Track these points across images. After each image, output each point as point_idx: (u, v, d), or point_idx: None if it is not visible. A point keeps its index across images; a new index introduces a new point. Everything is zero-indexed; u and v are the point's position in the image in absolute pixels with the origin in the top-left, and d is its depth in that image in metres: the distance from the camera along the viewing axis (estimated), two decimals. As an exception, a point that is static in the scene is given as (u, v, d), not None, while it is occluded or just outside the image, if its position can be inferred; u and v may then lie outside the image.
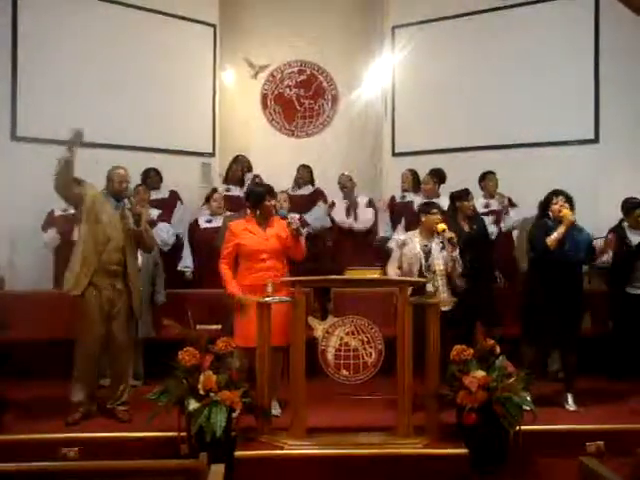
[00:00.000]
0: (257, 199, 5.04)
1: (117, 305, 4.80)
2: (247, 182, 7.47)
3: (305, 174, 7.82)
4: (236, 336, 4.74)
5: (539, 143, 7.89)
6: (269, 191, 5.15)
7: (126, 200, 4.92)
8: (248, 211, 5.19)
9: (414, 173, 7.50)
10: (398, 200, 7.53)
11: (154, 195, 7.33)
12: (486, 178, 7.17)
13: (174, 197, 7.55)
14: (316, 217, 7.45)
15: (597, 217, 6.32)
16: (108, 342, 4.83)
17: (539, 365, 5.38)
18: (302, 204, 7.52)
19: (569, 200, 5.30)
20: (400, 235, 5.73)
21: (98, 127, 7.71)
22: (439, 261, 5.17)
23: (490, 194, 7.14)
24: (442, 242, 5.17)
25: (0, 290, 6.74)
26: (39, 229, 6.76)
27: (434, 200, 6.06)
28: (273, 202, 5.11)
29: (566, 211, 5.19)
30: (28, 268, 6.87)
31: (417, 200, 7.02)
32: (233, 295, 4.85)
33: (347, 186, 7.59)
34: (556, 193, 5.37)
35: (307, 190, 7.79)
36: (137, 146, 7.99)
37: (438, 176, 7.12)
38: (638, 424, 4.70)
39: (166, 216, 7.13)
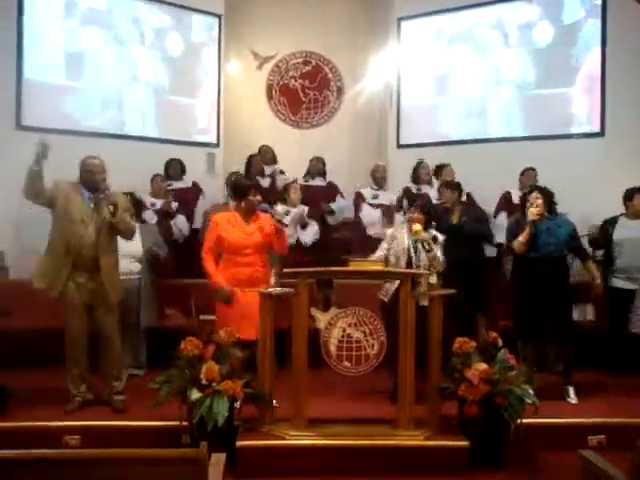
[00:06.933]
0: (240, 192, 5.08)
1: (97, 296, 4.77)
2: (269, 174, 7.76)
3: (319, 165, 7.93)
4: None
5: (544, 136, 7.87)
6: (254, 186, 5.20)
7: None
8: (231, 204, 5.18)
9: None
10: (415, 192, 7.51)
11: (176, 184, 7.53)
12: (525, 174, 7.11)
13: (196, 189, 7.70)
14: (340, 207, 7.68)
15: (601, 210, 6.29)
16: (97, 333, 4.84)
17: (537, 359, 5.34)
18: (317, 194, 7.63)
19: (546, 195, 5.20)
20: (389, 229, 5.61)
21: (104, 118, 7.79)
22: (423, 256, 4.98)
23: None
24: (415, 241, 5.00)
25: (4, 278, 6.77)
26: (44, 218, 6.75)
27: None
28: (258, 197, 5.05)
29: (531, 209, 5.14)
30: (33, 257, 6.85)
31: (431, 192, 7.20)
32: (219, 286, 4.87)
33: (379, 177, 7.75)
34: (531, 189, 5.34)
35: (321, 181, 7.88)
36: (143, 137, 8.04)
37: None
38: (640, 418, 4.70)
39: (187, 205, 7.36)
